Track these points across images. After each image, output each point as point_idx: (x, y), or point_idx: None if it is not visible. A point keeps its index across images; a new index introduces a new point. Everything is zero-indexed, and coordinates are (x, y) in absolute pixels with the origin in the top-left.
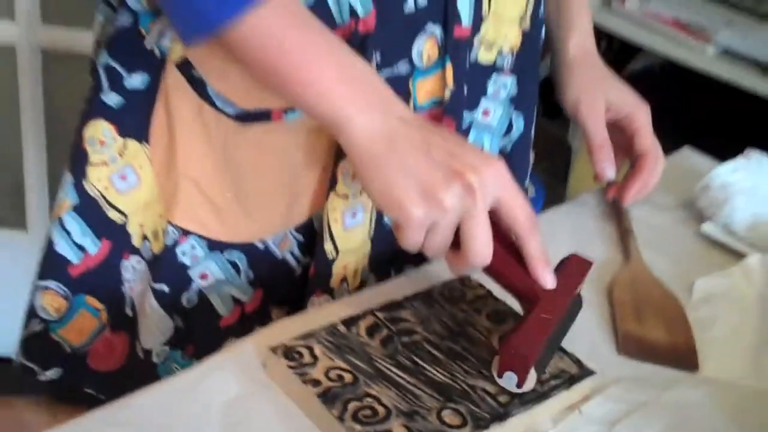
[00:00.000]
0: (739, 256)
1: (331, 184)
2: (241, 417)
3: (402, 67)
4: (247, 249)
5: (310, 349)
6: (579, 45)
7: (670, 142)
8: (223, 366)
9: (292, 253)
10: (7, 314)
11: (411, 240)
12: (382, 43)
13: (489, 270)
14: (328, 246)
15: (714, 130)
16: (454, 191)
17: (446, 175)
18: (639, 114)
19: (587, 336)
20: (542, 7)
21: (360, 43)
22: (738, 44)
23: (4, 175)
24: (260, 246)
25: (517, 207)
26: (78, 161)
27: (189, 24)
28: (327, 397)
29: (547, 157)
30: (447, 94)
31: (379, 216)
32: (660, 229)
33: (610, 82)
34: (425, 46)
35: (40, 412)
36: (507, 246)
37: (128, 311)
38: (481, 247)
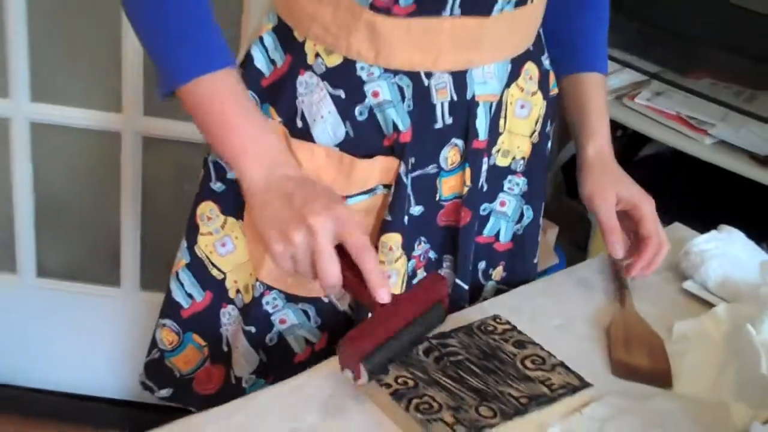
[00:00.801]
0: (711, 306)
1: None
2: (335, 408)
3: (431, 169)
4: (315, 301)
5: None
6: (597, 149)
7: (672, 214)
8: (321, 375)
9: (350, 305)
10: (99, 357)
11: (281, 265)
12: (416, 150)
13: (345, 289)
14: None
15: (710, 206)
16: (300, 231)
17: (296, 219)
18: (644, 205)
19: (589, 361)
20: (549, 126)
21: (400, 149)
22: (731, 136)
23: (104, 240)
24: (325, 300)
25: (353, 239)
26: (191, 231)
27: (159, 83)
28: (396, 395)
29: (569, 229)
30: (465, 190)
31: (409, 278)
32: (650, 286)
33: (621, 179)
34: (450, 154)
35: None
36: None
37: (224, 347)
38: (326, 272)
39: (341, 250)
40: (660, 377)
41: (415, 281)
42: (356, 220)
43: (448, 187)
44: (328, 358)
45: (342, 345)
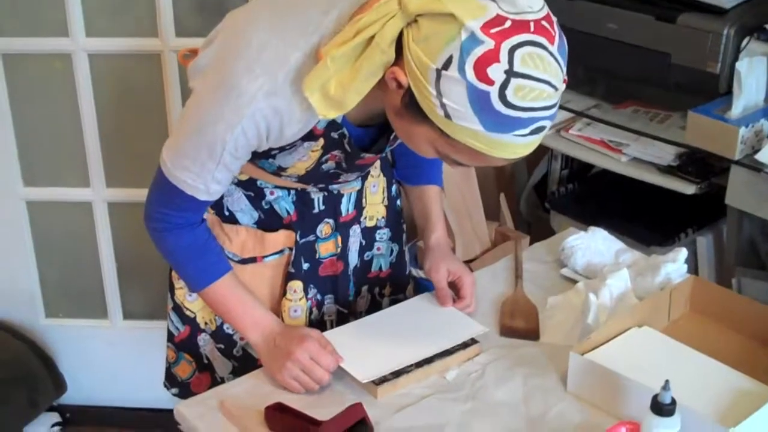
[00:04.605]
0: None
1: (283, 293)
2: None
3: (311, 237)
4: None
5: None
6: (437, 239)
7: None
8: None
9: None
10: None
11: (291, 387)
12: (301, 226)
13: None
14: None
15: (632, 208)
16: (289, 362)
17: (285, 356)
18: (465, 276)
19: (486, 326)
20: (393, 189)
21: (293, 225)
22: (642, 154)
23: None
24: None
25: (321, 359)
26: (170, 286)
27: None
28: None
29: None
30: (338, 250)
31: (309, 314)
32: (539, 273)
33: (451, 258)
34: (323, 228)
35: None
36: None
37: (205, 360)
38: (326, 365)
39: (283, 408)
40: (531, 334)
41: (312, 317)
42: (321, 344)
43: (324, 249)
44: None
45: None
